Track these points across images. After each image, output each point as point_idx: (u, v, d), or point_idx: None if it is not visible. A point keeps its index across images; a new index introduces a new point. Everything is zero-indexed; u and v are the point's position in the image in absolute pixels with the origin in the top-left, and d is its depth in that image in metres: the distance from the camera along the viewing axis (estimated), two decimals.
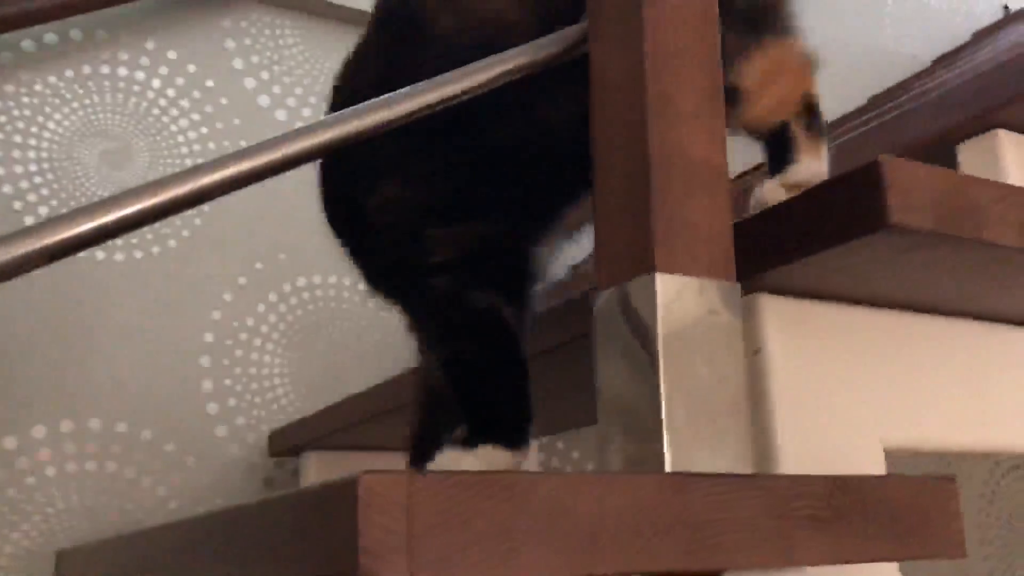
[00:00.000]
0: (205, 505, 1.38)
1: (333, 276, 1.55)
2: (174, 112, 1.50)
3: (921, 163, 0.53)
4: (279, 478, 1.44)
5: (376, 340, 1.57)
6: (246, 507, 0.46)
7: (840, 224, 0.53)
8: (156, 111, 1.49)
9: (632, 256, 0.44)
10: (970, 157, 0.80)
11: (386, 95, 0.51)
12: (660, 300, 0.42)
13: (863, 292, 0.64)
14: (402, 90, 0.50)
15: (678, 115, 0.45)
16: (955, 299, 0.67)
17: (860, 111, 1.70)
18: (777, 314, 0.62)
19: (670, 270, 0.43)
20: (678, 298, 0.43)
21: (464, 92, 0.53)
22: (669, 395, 0.42)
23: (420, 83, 0.50)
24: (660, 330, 0.42)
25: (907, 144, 0.83)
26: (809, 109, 0.65)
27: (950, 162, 0.81)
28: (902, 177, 0.52)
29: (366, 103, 0.51)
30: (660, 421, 0.41)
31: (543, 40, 0.53)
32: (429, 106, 0.52)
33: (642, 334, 0.43)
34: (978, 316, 0.71)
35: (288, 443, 1.37)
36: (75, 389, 1.34)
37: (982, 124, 0.79)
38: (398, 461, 0.89)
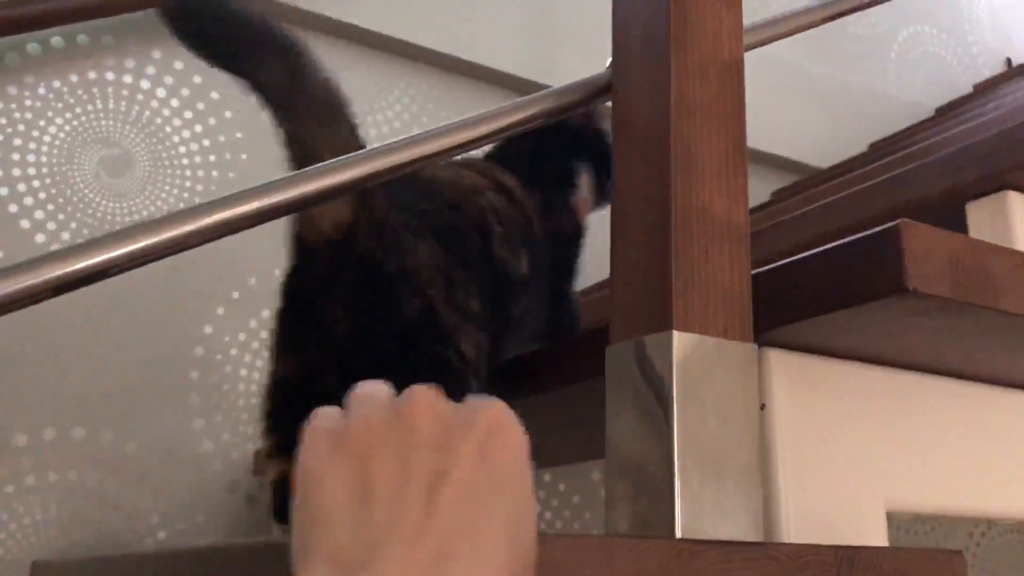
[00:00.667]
0: (186, 521, 1.36)
1: None
2: (177, 122, 1.49)
3: (938, 229, 0.53)
4: (263, 497, 1.42)
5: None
6: (229, 547, 0.45)
7: (857, 286, 0.52)
8: (159, 120, 1.48)
9: (649, 311, 0.43)
10: (979, 217, 0.80)
11: (415, 135, 0.50)
12: (676, 358, 0.41)
13: (872, 351, 0.63)
14: (431, 130, 0.50)
15: (702, 171, 0.45)
16: (964, 362, 0.66)
17: (861, 157, 1.71)
18: (785, 370, 0.61)
19: (687, 328, 0.42)
20: (694, 357, 0.42)
21: (490, 134, 0.52)
22: (683, 456, 0.41)
23: (442, 126, 0.50)
24: (675, 389, 0.41)
25: (917, 200, 0.83)
26: None
27: (959, 220, 0.81)
28: (920, 242, 0.51)
29: (400, 140, 0.51)
30: (673, 483, 0.40)
31: (566, 87, 0.52)
32: (461, 145, 0.51)
33: (657, 392, 0.42)
34: (985, 379, 0.70)
35: None
36: (60, 397, 1.32)
37: (992, 184, 0.79)
38: None
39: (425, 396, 0.34)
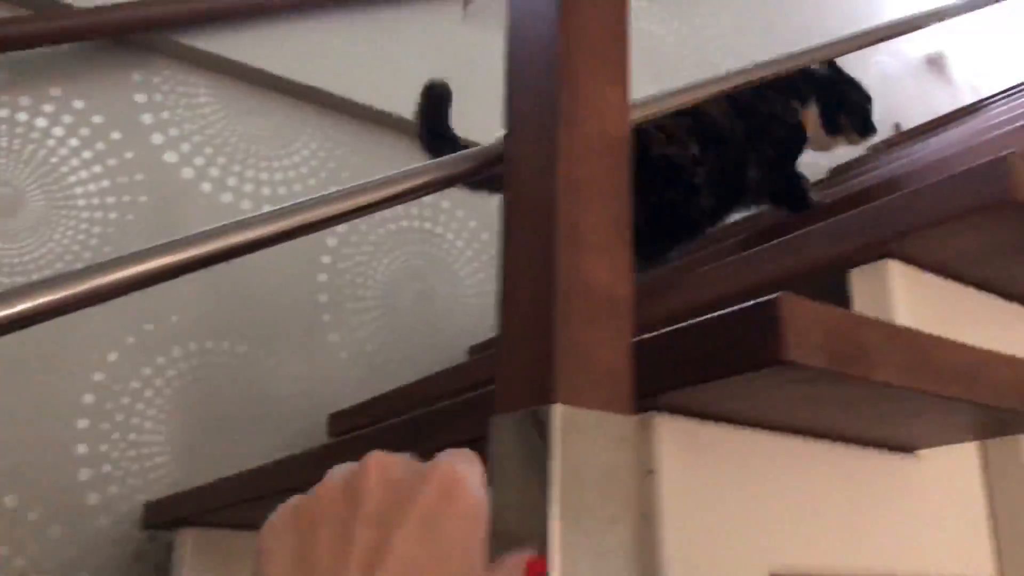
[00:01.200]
0: None
1: (226, 342, 1.51)
2: (74, 163, 1.45)
3: (816, 302, 0.55)
4: (151, 553, 1.37)
5: (267, 412, 1.52)
6: None
7: (737, 356, 0.54)
8: (55, 160, 1.44)
9: (532, 384, 0.44)
10: (861, 284, 0.83)
11: (300, 201, 0.50)
12: (557, 432, 0.42)
13: (758, 417, 0.65)
14: (316, 197, 0.49)
15: (586, 246, 0.45)
16: (845, 427, 0.69)
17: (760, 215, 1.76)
18: (672, 435, 0.62)
19: (569, 402, 0.42)
20: (575, 431, 0.42)
21: (381, 202, 0.52)
22: (564, 532, 0.41)
23: (333, 192, 0.49)
24: (555, 463, 0.41)
25: (803, 266, 0.86)
26: None
27: (842, 287, 0.84)
28: (798, 315, 0.53)
29: (293, 204, 0.50)
30: (552, 559, 0.41)
31: (459, 155, 0.53)
32: (344, 214, 0.51)
33: (538, 465, 0.42)
34: (866, 443, 0.73)
35: (164, 516, 1.31)
36: None
37: (874, 253, 0.82)
38: None
39: (378, 464, 0.34)
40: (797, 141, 1.26)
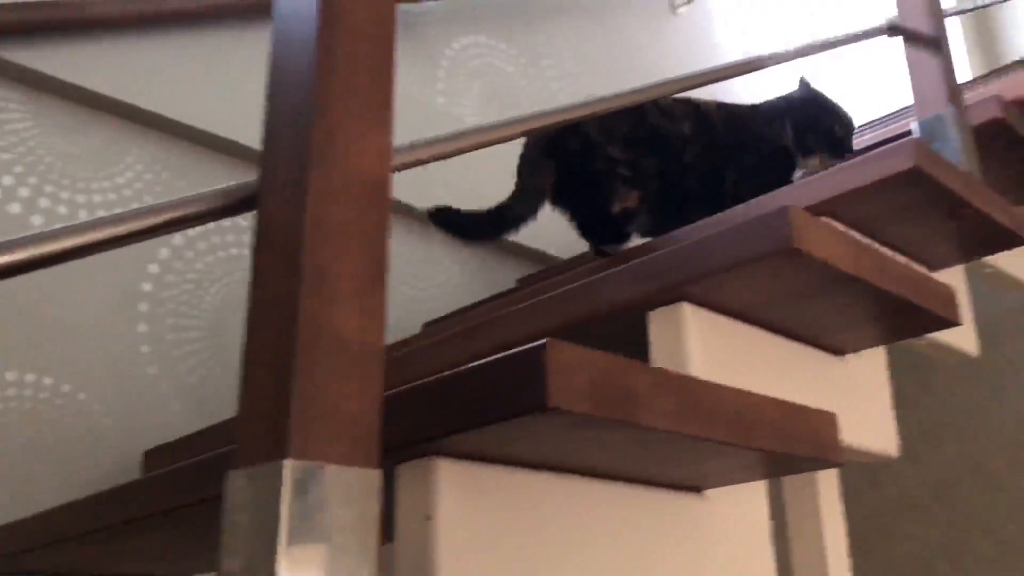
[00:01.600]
0: None
1: (32, 374, 1.41)
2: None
3: (583, 347, 0.55)
4: None
5: (77, 450, 1.43)
6: None
7: (505, 402, 0.54)
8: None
9: (268, 438, 0.42)
10: (658, 326, 0.85)
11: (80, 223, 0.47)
12: (287, 488, 0.40)
13: (540, 459, 0.65)
14: (77, 224, 0.46)
15: (335, 292, 0.44)
16: (629, 468, 0.70)
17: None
18: (450, 479, 0.61)
19: (304, 456, 0.41)
20: (309, 487, 0.41)
21: (132, 235, 0.49)
22: None
23: (93, 220, 0.47)
24: (285, 521, 0.40)
25: (602, 308, 0.87)
26: None
27: (643, 329, 0.86)
28: (564, 361, 0.54)
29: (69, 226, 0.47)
30: None
31: (210, 192, 0.51)
32: (101, 243, 0.48)
33: (269, 524, 0.40)
34: (653, 483, 0.74)
35: None
36: None
37: (670, 296, 0.85)
38: None
39: None
40: (782, 161, 1.35)
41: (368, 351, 0.45)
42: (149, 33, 1.65)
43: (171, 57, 1.65)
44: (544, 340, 0.53)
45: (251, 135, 1.70)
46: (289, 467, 0.40)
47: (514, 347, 0.56)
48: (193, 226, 0.51)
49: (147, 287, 1.57)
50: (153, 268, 1.58)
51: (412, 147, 0.57)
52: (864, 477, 2.13)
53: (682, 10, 2.72)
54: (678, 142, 1.34)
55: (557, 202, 1.37)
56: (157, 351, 1.55)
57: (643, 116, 1.34)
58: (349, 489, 0.42)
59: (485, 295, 1.98)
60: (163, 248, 1.60)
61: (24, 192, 1.48)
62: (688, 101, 1.38)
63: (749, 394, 0.65)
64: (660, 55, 2.63)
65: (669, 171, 1.33)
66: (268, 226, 0.47)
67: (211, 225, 1.67)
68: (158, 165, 1.64)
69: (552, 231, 1.43)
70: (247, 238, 1.71)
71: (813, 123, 1.35)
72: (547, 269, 1.95)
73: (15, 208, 1.46)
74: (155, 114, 1.61)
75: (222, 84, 1.70)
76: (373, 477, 0.43)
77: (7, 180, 1.46)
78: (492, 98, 2.17)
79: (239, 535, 0.41)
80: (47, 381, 1.42)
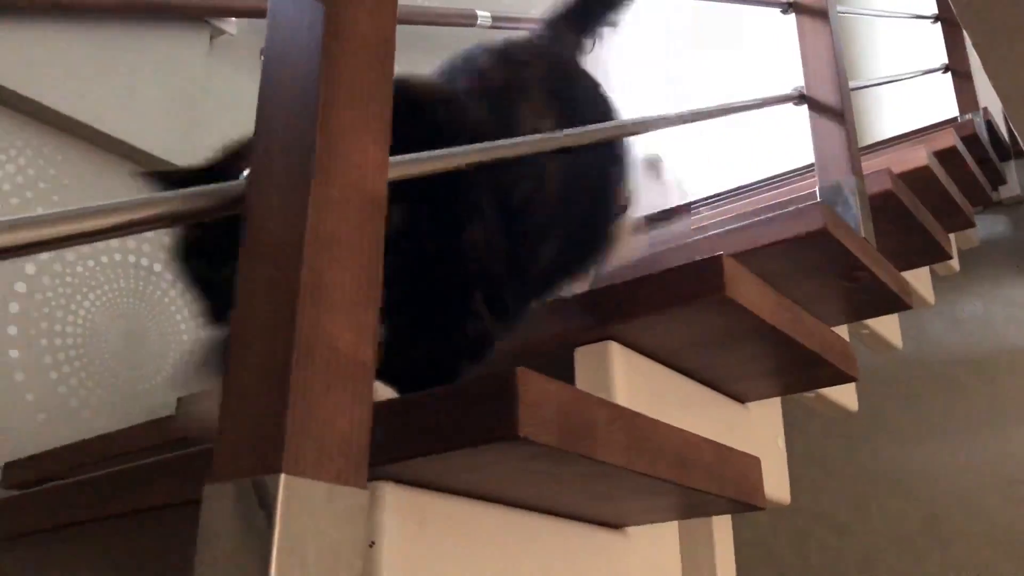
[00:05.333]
0: None
1: None
2: None
3: (551, 379, 0.55)
4: None
5: None
6: None
7: (472, 429, 0.53)
8: None
9: (258, 451, 0.40)
10: (584, 363, 0.87)
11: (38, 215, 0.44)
12: (281, 504, 0.38)
13: (488, 490, 0.65)
14: (24, 217, 0.43)
15: (331, 304, 0.43)
16: (564, 502, 0.70)
17: None
18: (398, 505, 0.60)
19: (297, 472, 0.39)
20: (301, 504, 0.39)
21: (100, 232, 0.47)
22: None
23: (48, 214, 0.44)
24: (276, 538, 0.38)
25: (534, 341, 0.88)
26: None
27: (569, 365, 0.87)
28: (534, 391, 0.54)
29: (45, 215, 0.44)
30: None
31: (196, 190, 0.49)
32: (55, 240, 0.45)
33: (256, 540, 0.38)
34: (582, 519, 0.75)
35: None
36: None
37: (598, 334, 0.86)
38: None
39: None
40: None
41: (362, 366, 0.44)
42: (43, 22, 1.56)
43: (66, 49, 1.57)
44: (515, 368, 0.53)
45: (140, 137, 1.62)
46: (284, 482, 0.39)
47: None
48: (169, 226, 0.49)
49: (20, 287, 1.47)
50: (30, 268, 1.48)
51: (408, 161, 0.57)
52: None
53: None
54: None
55: None
56: (27, 357, 1.45)
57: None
58: (339, 508, 0.41)
59: None
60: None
61: None
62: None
63: (689, 434, 0.67)
64: None
65: None
66: (258, 232, 0.45)
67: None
68: (43, 161, 1.55)
69: None
70: (132, 244, 1.63)
71: None
72: None
73: None
74: (43, 105, 1.52)
75: (122, 83, 1.63)
76: (363, 497, 0.42)
77: None
78: None
79: (219, 549, 0.39)
80: None
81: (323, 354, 0.42)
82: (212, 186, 0.49)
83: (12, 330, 1.44)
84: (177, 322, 1.66)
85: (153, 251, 1.66)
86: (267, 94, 0.49)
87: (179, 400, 1.54)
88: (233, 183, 0.50)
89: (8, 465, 1.38)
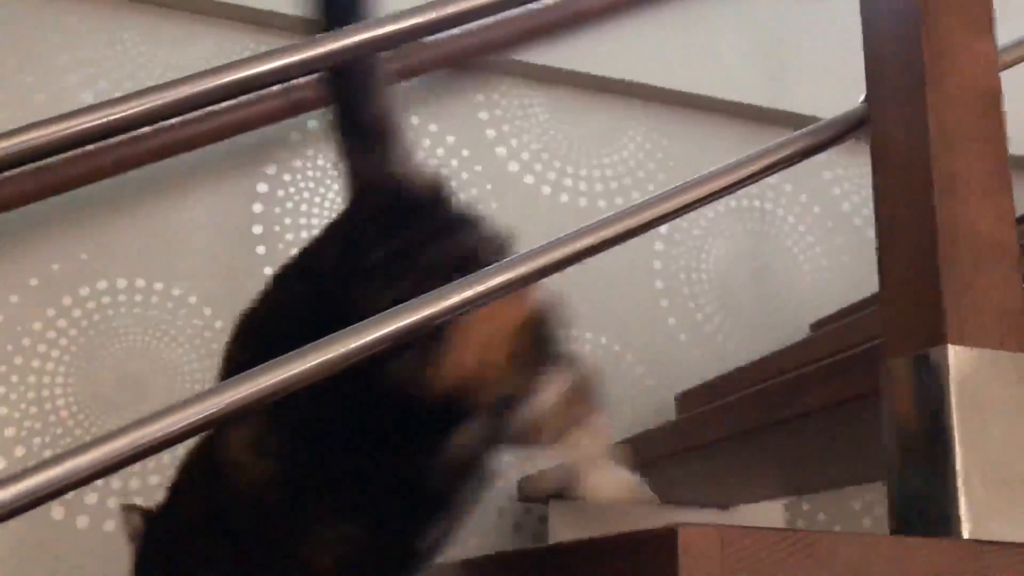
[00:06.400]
0: None
1: (142, 280, 1.48)
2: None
3: None
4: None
5: (181, 356, 1.47)
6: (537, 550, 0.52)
7: None
8: None
9: (924, 327, 0.46)
10: None
11: (662, 193, 0.56)
12: (953, 371, 0.44)
13: None
14: (670, 189, 0.55)
15: (965, 193, 0.47)
16: None
17: None
18: None
19: (962, 342, 0.45)
20: (971, 369, 0.44)
21: (743, 180, 0.57)
22: (966, 462, 0.43)
23: (687, 182, 0.55)
24: (954, 399, 0.44)
25: None
26: None
27: None
28: None
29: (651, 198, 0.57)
30: (956, 487, 0.43)
31: (821, 124, 0.56)
32: (712, 194, 0.57)
33: (936, 402, 0.45)
34: None
35: None
36: None
37: None
38: None
39: None
40: None
41: (1003, 247, 0.47)
42: (631, 14, 1.78)
43: (653, 32, 1.77)
44: None
45: (731, 90, 1.76)
46: (952, 352, 0.44)
47: None
48: (800, 161, 0.57)
49: (659, 246, 1.71)
50: (663, 228, 1.72)
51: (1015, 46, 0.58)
52: None
53: None
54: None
55: None
56: (673, 304, 1.68)
57: None
58: (1006, 371, 0.45)
59: None
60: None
61: (551, 175, 1.70)
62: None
63: None
64: None
65: None
66: (886, 145, 0.51)
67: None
68: (655, 133, 1.77)
69: None
70: (754, 190, 1.78)
71: None
72: None
73: (546, 190, 1.69)
74: (647, 85, 1.74)
75: (703, 47, 1.79)
76: None
77: (537, 166, 1.69)
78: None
79: (904, 415, 0.46)
80: (157, 286, 1.49)
81: (966, 238, 0.47)
82: (833, 117, 0.56)
83: (659, 284, 1.69)
84: (795, 255, 1.76)
85: (762, 192, 1.79)
86: (869, 18, 0.54)
87: (812, 325, 1.64)
88: (850, 110, 0.57)
89: (684, 394, 1.62)
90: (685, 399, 1.60)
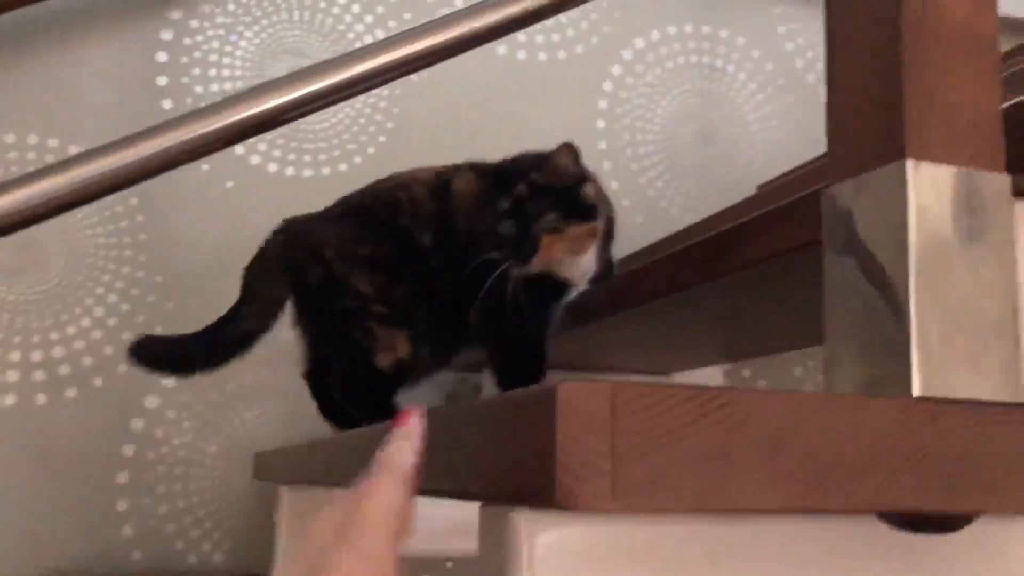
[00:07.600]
0: None
1: (34, 135, 1.47)
2: (359, 28, 1.50)
3: None
4: None
5: (78, 218, 1.51)
6: (435, 411, 0.43)
7: None
8: (341, 27, 1.49)
9: (876, 140, 0.37)
10: None
11: None
12: (912, 193, 0.35)
13: None
14: None
15: None
16: None
17: None
18: None
19: (924, 157, 0.36)
20: (934, 191, 0.36)
21: None
22: (920, 308, 0.35)
23: None
24: (912, 229, 0.35)
25: None
26: None
27: None
28: None
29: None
30: (908, 338, 0.35)
31: None
32: None
33: (888, 234, 0.36)
34: None
35: None
36: None
37: None
38: None
39: (325, 514, 0.43)
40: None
41: (980, 38, 0.38)
42: None
43: None
44: None
45: None
46: (911, 168, 0.35)
47: None
48: None
49: (603, 104, 1.60)
50: (607, 86, 1.60)
51: None
52: None
53: None
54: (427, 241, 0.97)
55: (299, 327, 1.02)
56: (616, 166, 1.59)
57: (392, 218, 0.97)
58: (978, 195, 0.36)
59: None
60: (615, 65, 1.61)
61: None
62: (437, 175, 0.99)
63: None
64: None
65: (435, 286, 0.95)
66: None
67: (657, 36, 1.64)
68: None
69: None
70: (692, 44, 1.66)
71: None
72: None
73: None
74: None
75: None
76: (1003, 181, 0.37)
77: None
78: None
79: (849, 253, 0.38)
80: None
81: (935, 28, 0.37)
82: None
83: (601, 144, 1.59)
84: (744, 115, 1.67)
85: (712, 47, 1.67)
86: None
87: (759, 187, 1.56)
88: None
89: (622, 260, 1.55)
90: (624, 265, 1.52)
